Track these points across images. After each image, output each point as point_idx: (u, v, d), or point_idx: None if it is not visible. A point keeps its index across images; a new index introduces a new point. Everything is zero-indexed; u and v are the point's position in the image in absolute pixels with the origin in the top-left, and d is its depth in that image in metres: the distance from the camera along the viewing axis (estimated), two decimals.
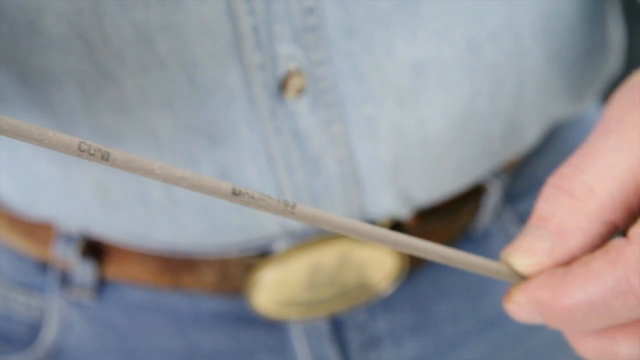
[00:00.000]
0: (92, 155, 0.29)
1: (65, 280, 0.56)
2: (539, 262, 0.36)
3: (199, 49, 0.44)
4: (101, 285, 0.55)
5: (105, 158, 0.29)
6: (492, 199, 0.56)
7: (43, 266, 0.56)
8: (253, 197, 0.31)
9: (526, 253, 0.36)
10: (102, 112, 0.46)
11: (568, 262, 0.36)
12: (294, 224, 0.50)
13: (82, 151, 0.29)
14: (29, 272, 0.57)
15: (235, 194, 0.31)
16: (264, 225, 0.50)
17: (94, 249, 0.54)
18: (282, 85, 0.45)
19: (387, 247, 0.35)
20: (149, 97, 0.45)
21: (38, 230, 0.55)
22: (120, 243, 0.52)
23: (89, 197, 0.49)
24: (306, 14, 0.44)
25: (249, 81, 0.45)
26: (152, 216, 0.49)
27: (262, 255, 0.52)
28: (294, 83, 0.45)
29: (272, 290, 0.52)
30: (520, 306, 0.36)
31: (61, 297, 0.56)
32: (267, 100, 0.45)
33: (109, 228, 0.51)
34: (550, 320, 0.36)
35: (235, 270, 0.53)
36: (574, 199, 0.36)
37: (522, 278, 0.37)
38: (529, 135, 0.54)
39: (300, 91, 0.45)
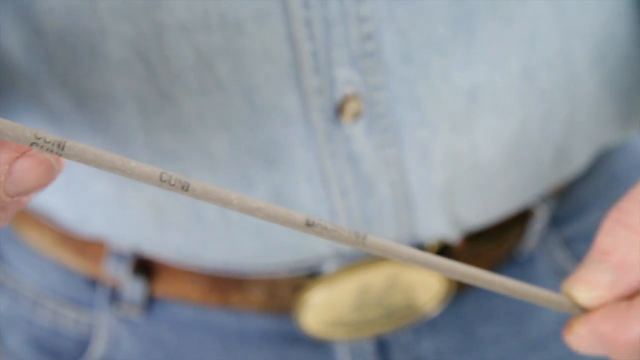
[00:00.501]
0: (173, 185, 0.30)
1: (114, 296, 0.56)
2: (601, 295, 0.36)
3: (258, 72, 0.44)
4: (150, 302, 0.56)
5: (185, 189, 0.30)
6: (539, 223, 0.57)
7: (92, 282, 0.57)
8: (326, 228, 0.32)
9: (588, 285, 0.37)
10: (160, 133, 0.46)
11: (629, 296, 0.36)
12: (345, 246, 0.50)
13: (163, 181, 0.30)
14: (78, 288, 0.57)
15: (309, 225, 0.31)
16: (316, 247, 0.50)
17: (144, 267, 0.55)
18: (339, 110, 0.46)
19: (459, 280, 0.35)
20: (207, 119, 0.45)
21: (89, 248, 0.55)
22: (171, 261, 0.53)
23: (143, 216, 0.50)
24: (365, 39, 0.44)
25: (306, 105, 0.45)
26: (206, 236, 0.50)
27: (311, 275, 0.52)
28: (351, 107, 0.45)
29: (320, 310, 0.53)
30: (582, 338, 0.37)
31: (110, 313, 0.56)
32: (324, 123, 0.46)
33: (161, 247, 0.52)
34: (613, 353, 0.36)
35: (284, 290, 0.53)
36: (636, 234, 0.36)
37: (583, 310, 0.37)
38: (578, 160, 0.54)
39: (357, 115, 0.46)
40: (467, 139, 0.48)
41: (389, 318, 0.54)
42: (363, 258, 0.52)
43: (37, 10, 0.44)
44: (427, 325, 0.56)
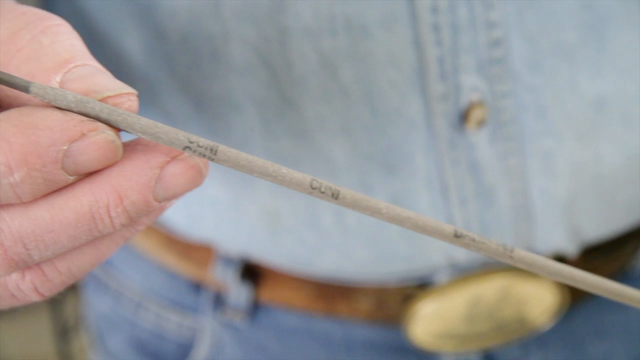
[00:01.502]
0: (323, 193, 0.29)
1: (219, 301, 0.56)
2: None
3: (382, 78, 0.44)
4: (254, 307, 0.55)
5: (335, 197, 0.30)
6: None
7: (197, 287, 0.57)
8: (474, 240, 0.31)
9: None
10: (280, 138, 0.46)
11: None
12: (460, 256, 0.49)
13: (313, 189, 0.29)
14: (182, 292, 0.57)
15: (457, 236, 0.31)
16: (430, 256, 0.49)
17: (251, 272, 0.54)
18: (463, 116, 0.45)
19: (607, 297, 0.34)
20: (328, 125, 0.45)
21: (195, 251, 0.55)
22: (280, 268, 0.53)
23: (256, 221, 0.50)
24: (493, 46, 0.43)
25: (430, 111, 0.44)
26: (320, 242, 0.49)
27: (422, 286, 0.51)
28: (476, 114, 0.44)
29: (429, 321, 0.52)
30: None
31: (214, 318, 0.56)
32: (447, 130, 0.45)
33: (272, 252, 0.51)
34: None
35: (393, 300, 0.52)
36: None
37: None
38: None
39: (481, 123, 0.45)
40: (592, 149, 0.47)
41: (499, 331, 0.53)
42: (476, 269, 0.51)
43: (159, 14, 0.44)
44: (536, 340, 0.55)
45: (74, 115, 0.28)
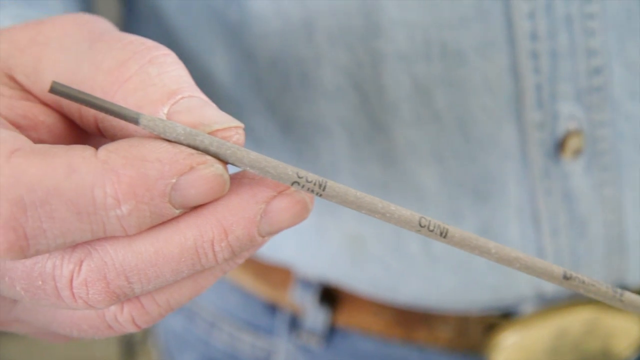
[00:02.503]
0: (431, 231, 0.29)
1: (294, 324, 0.55)
2: None
3: (477, 104, 0.42)
4: (331, 331, 0.54)
5: (443, 235, 0.29)
6: None
7: (272, 308, 0.56)
8: (583, 282, 0.30)
9: None
10: (368, 163, 0.45)
11: None
12: (548, 287, 0.48)
13: (422, 227, 0.28)
14: (257, 313, 0.57)
15: (567, 278, 0.30)
16: (518, 286, 0.48)
17: (330, 296, 0.54)
18: (559, 145, 0.43)
19: None
20: (419, 150, 0.44)
21: (273, 274, 0.55)
22: (361, 293, 0.52)
23: (339, 247, 0.49)
24: (593, 74, 0.42)
25: (524, 139, 0.43)
26: (405, 269, 0.48)
27: (505, 315, 0.50)
28: (572, 143, 0.43)
29: (512, 352, 0.50)
30: None
31: (289, 340, 0.55)
32: (542, 159, 0.44)
33: (353, 278, 0.50)
34: None
35: (475, 329, 0.51)
36: None
37: None
38: None
39: (577, 152, 0.43)
40: None
41: None
42: (562, 300, 0.49)
43: (249, 35, 0.44)
44: None
45: (183, 148, 0.27)
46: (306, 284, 0.53)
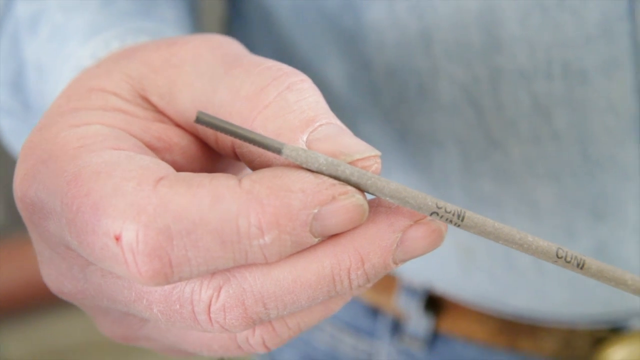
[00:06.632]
0: (568, 262, 0.29)
1: (396, 328, 0.56)
2: None
3: (597, 123, 0.42)
4: (433, 337, 0.55)
5: (580, 266, 0.29)
6: None
7: (374, 312, 0.56)
8: None
9: None
10: (481, 178, 0.45)
11: None
12: None
13: (558, 258, 0.29)
14: (359, 316, 0.57)
15: None
16: (628, 301, 0.47)
17: (434, 303, 0.54)
18: None
19: None
20: (535, 168, 0.44)
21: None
22: (466, 302, 0.52)
23: (448, 257, 0.49)
24: None
25: None
26: (514, 281, 0.48)
27: (614, 330, 0.50)
28: None
29: None
30: None
31: (391, 344, 0.56)
32: None
33: (460, 287, 0.51)
34: None
35: (582, 342, 0.51)
36: None
37: None
38: None
39: None
40: None
41: None
42: None
43: (366, 45, 0.44)
44: None
45: (325, 178, 0.28)
46: (411, 290, 0.53)
